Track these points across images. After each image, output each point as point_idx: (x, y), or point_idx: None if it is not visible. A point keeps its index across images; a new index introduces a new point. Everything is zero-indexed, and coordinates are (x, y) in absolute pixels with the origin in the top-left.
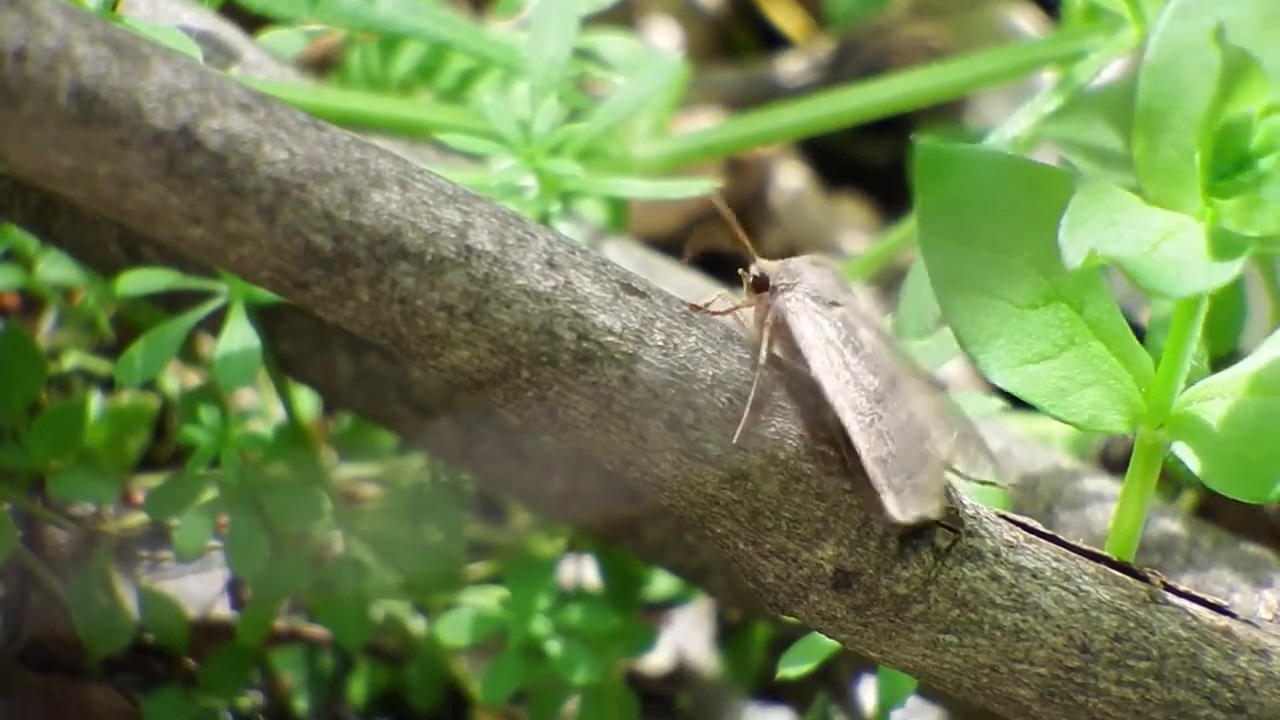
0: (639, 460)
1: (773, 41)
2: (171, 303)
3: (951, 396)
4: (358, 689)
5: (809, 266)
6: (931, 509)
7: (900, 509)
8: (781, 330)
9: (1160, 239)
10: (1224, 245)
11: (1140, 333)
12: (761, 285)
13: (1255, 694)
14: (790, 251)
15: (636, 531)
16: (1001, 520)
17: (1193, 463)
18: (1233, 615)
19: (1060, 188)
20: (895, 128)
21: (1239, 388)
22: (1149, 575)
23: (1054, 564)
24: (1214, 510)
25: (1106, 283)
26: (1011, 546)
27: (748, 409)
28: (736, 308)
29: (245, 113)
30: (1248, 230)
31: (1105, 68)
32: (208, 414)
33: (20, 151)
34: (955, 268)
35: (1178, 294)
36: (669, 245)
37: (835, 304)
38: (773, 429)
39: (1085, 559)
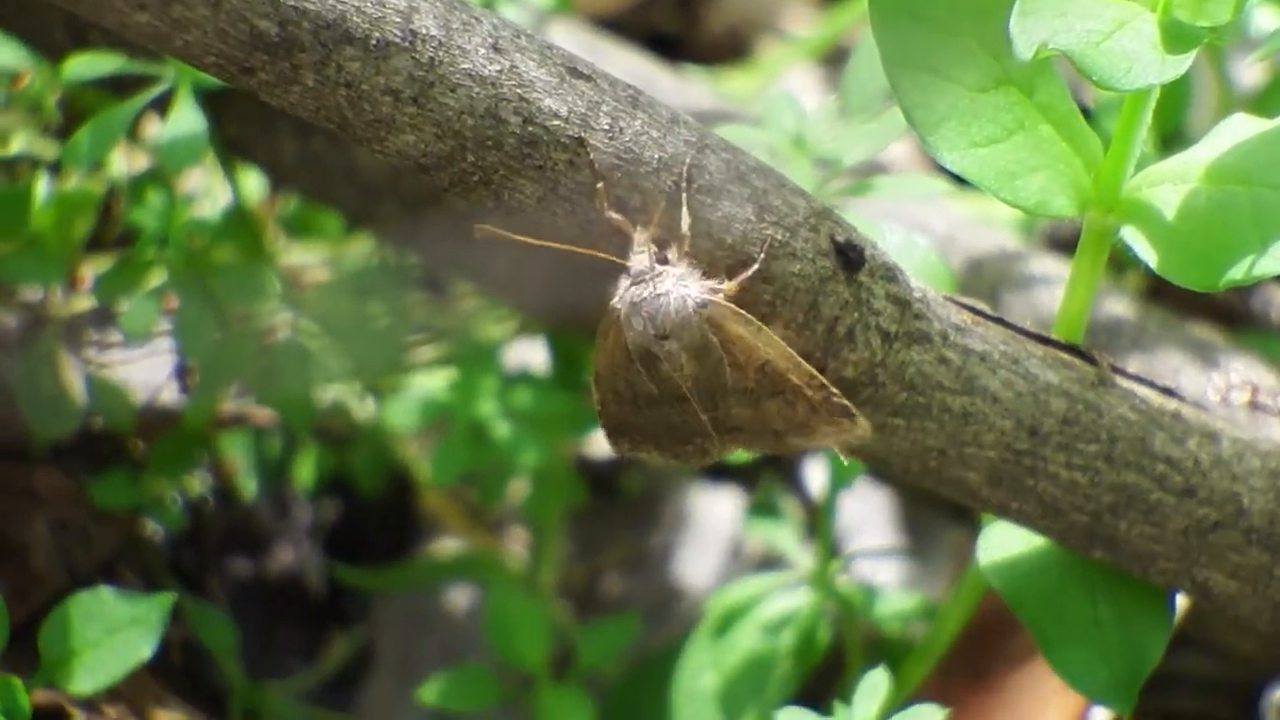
0: (585, 243)
1: None
2: (118, 87)
3: None
4: (304, 472)
5: (670, 295)
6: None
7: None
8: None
9: (1113, 29)
10: (1177, 37)
11: (1087, 113)
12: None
13: (1205, 478)
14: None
15: (583, 313)
16: (949, 303)
17: (1143, 249)
18: (1181, 398)
19: None
20: None
21: (1190, 175)
22: (1097, 358)
23: (1002, 347)
24: (1161, 291)
25: (1056, 66)
26: (959, 329)
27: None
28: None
29: None
30: (1200, 21)
31: None
32: (155, 197)
33: None
34: (907, 48)
35: (1130, 87)
36: (616, 25)
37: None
38: (720, 213)
39: (1033, 342)
